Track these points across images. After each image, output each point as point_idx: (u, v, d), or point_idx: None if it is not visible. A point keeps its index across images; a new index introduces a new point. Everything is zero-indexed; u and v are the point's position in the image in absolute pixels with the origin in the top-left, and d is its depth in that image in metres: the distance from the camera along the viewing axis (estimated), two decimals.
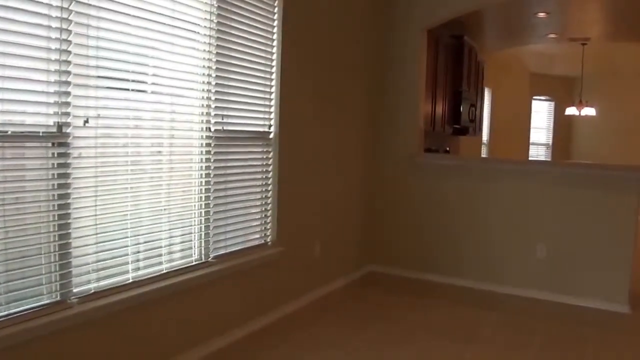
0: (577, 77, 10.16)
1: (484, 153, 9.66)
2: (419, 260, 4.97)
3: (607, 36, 7.44)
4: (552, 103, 11.35)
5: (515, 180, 4.58)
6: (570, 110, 9.41)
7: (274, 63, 3.48)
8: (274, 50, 3.48)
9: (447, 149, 7.06)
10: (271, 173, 3.56)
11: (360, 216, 4.93)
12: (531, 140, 11.26)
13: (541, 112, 11.47)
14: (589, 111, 9.33)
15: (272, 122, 3.53)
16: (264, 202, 3.55)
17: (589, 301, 4.31)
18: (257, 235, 3.53)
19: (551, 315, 4.10)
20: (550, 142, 11.53)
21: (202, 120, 2.97)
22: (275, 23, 3.47)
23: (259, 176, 3.48)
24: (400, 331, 3.60)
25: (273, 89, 3.50)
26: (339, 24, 4.28)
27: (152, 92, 2.65)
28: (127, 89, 2.52)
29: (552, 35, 7.28)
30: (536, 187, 4.50)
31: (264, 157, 3.51)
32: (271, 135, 3.54)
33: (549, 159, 11.38)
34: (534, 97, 11.15)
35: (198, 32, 2.88)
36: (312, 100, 3.96)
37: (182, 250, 2.94)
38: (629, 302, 4.21)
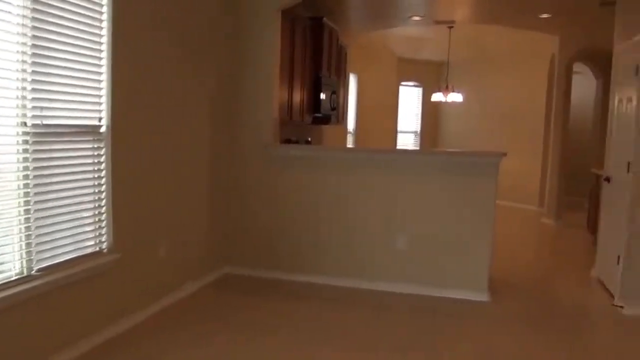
0: (445, 62, 11.17)
1: (350, 142, 10.26)
2: (277, 260, 5.28)
3: (473, 19, 8.29)
4: (421, 89, 12.34)
5: (375, 170, 5.03)
6: (437, 96, 10.31)
7: (103, 47, 3.53)
8: (104, 32, 3.52)
9: (309, 139, 7.45)
10: (104, 171, 3.61)
11: (211, 214, 5.12)
12: (400, 128, 12.17)
13: (410, 99, 12.42)
14: (456, 97, 10.29)
15: (104, 114, 3.58)
16: (97, 205, 3.59)
17: (450, 291, 4.90)
18: (91, 242, 3.57)
19: (412, 308, 4.61)
20: (419, 129, 12.53)
21: (17, 114, 2.96)
22: (105, 1, 3.51)
23: (89, 176, 3.52)
24: (250, 336, 3.84)
25: (103, 77, 3.55)
26: (183, 4, 4.40)
27: None
28: None
29: (416, 18, 7.97)
30: (396, 176, 4.98)
31: (95, 153, 3.55)
32: (102, 129, 3.59)
33: (418, 147, 12.37)
34: (402, 83, 12.05)
35: (10, 13, 2.86)
36: (152, 89, 4.05)
37: None
38: (488, 290, 4.86)
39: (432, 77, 12.02)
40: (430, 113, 12.56)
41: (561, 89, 8.83)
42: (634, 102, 4.70)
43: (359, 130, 10.68)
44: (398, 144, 12.12)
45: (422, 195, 4.95)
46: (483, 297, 4.84)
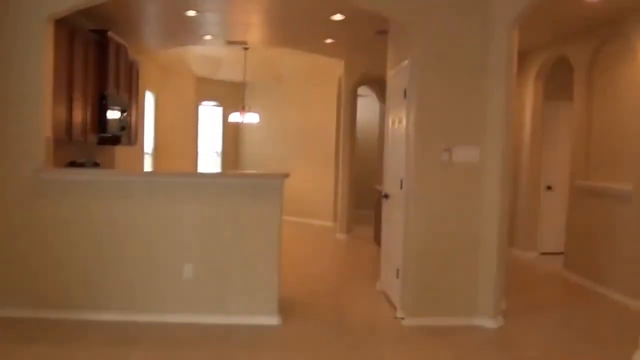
0: (243, 83, 11.16)
1: (148, 164, 9.75)
2: (51, 298, 4.68)
3: (264, 41, 8.33)
4: (221, 109, 12.17)
5: (160, 195, 4.70)
6: (234, 117, 10.21)
7: None
8: None
9: (97, 162, 6.86)
10: None
11: None
12: (202, 148, 11.87)
13: (212, 119, 12.19)
14: (252, 117, 10.28)
15: None
16: None
17: (240, 318, 4.69)
18: None
19: (201, 340, 4.33)
20: (221, 149, 12.35)
21: None
22: None
23: None
24: None
25: None
26: None
27: None
28: None
29: (208, 37, 7.78)
30: (182, 201, 4.70)
31: None
32: None
33: (220, 168, 12.20)
34: (203, 103, 11.79)
35: None
36: None
37: None
38: (278, 313, 4.74)
39: (232, 97, 11.91)
40: (232, 133, 12.46)
41: (347, 110, 9.24)
42: (404, 123, 4.94)
43: (158, 151, 10.19)
44: (199, 165, 11.81)
45: (208, 220, 4.73)
46: (274, 320, 4.71)
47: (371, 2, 4.90)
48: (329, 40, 7.56)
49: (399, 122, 5.17)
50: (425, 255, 4.85)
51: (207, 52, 9.87)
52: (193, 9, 6.27)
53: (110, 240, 4.69)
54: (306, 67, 10.44)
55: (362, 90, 10.06)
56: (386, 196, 5.66)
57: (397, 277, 5.10)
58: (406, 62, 4.90)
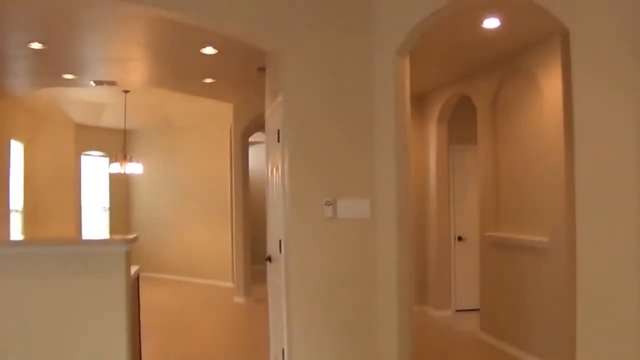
0: (128, 130, 10.13)
1: (16, 223, 8.45)
2: None
3: (141, 82, 7.38)
4: (108, 159, 11.01)
5: None
6: (114, 167, 9.12)
7: None
8: None
9: None
10: None
11: None
12: (86, 204, 10.62)
13: (97, 170, 11.01)
14: (135, 168, 9.22)
15: None
16: None
17: None
18: None
19: None
20: (109, 204, 11.14)
21: None
22: None
23: None
24: None
25: None
26: None
27: None
28: None
29: (69, 76, 6.73)
30: None
31: None
32: None
33: (108, 224, 11.00)
34: (85, 153, 10.61)
35: None
36: None
37: None
38: None
39: (119, 146, 10.81)
40: (122, 186, 11.31)
41: (239, 159, 8.35)
42: (280, 172, 4.10)
43: (29, 210, 8.92)
44: (84, 223, 10.51)
45: (30, 305, 3.60)
46: None
47: (234, 29, 4.08)
48: (208, 80, 6.71)
49: (277, 171, 4.33)
50: (312, 332, 3.96)
51: (85, 95, 8.81)
52: (38, 41, 5.28)
53: None
54: (195, 113, 9.58)
55: (259, 136, 9.26)
56: (269, 259, 4.77)
57: (283, 359, 4.18)
58: (280, 97, 4.09)
